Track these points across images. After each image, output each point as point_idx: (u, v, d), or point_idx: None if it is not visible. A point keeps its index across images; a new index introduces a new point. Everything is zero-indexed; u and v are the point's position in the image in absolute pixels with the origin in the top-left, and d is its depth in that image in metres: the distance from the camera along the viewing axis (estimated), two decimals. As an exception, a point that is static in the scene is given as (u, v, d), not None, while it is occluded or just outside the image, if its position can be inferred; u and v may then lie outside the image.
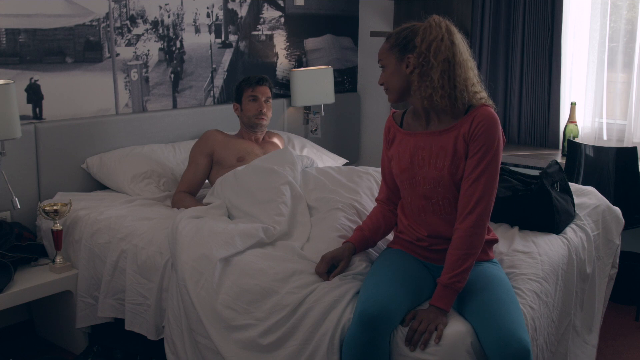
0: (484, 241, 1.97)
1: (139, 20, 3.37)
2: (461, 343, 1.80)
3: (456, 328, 1.84)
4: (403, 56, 2.00)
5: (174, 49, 3.55)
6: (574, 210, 2.62)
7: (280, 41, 4.13)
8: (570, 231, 2.51)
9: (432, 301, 1.90)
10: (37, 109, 3.02)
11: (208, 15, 3.69)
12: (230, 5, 3.80)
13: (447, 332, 1.82)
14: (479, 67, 4.07)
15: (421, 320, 1.84)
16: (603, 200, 2.78)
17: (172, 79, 3.57)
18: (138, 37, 3.37)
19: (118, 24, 3.28)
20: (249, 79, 3.07)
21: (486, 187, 1.93)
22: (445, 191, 2.00)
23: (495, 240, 2.17)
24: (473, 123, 1.95)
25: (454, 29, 1.99)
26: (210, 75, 3.75)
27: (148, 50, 3.43)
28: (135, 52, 3.37)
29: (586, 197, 2.78)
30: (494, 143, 1.94)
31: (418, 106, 2.04)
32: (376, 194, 2.63)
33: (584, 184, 3.15)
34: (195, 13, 3.62)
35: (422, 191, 2.04)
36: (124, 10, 3.30)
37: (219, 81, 3.80)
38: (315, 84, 4.07)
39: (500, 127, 1.97)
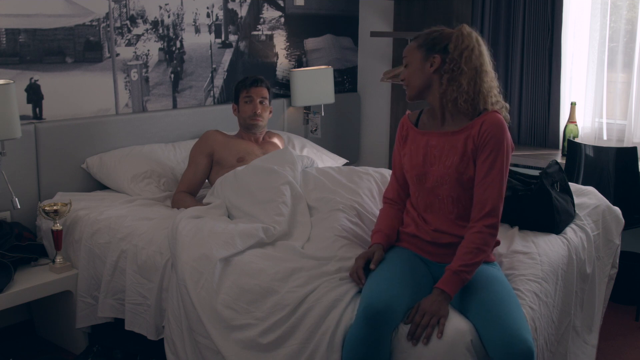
0: (495, 242, 2.04)
1: (139, 20, 3.37)
2: (461, 341, 1.81)
3: (456, 326, 1.85)
4: (429, 55, 2.08)
5: (174, 49, 3.55)
6: (574, 210, 2.62)
7: (280, 41, 4.13)
8: (570, 231, 2.51)
9: (439, 284, 1.92)
10: (37, 109, 3.02)
11: (208, 15, 3.69)
12: (230, 5, 3.80)
13: (447, 330, 1.83)
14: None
15: (423, 313, 1.86)
16: (603, 200, 2.78)
17: (172, 79, 3.57)
18: (138, 37, 3.37)
19: (118, 24, 3.28)
20: (245, 80, 3.07)
21: (499, 191, 2.00)
22: (450, 189, 2.05)
23: (497, 243, 2.18)
24: (482, 128, 2.03)
25: (482, 41, 2.10)
26: (210, 75, 3.75)
27: (148, 50, 3.43)
28: (135, 52, 3.37)
29: (586, 197, 2.78)
30: (503, 148, 2.02)
31: (436, 105, 2.12)
32: (376, 195, 2.63)
33: (584, 184, 3.15)
34: (195, 13, 3.62)
35: (430, 187, 2.09)
36: (124, 10, 3.30)
37: (219, 81, 3.80)
38: (315, 84, 4.07)
39: (508, 134, 2.05)
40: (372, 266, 2.03)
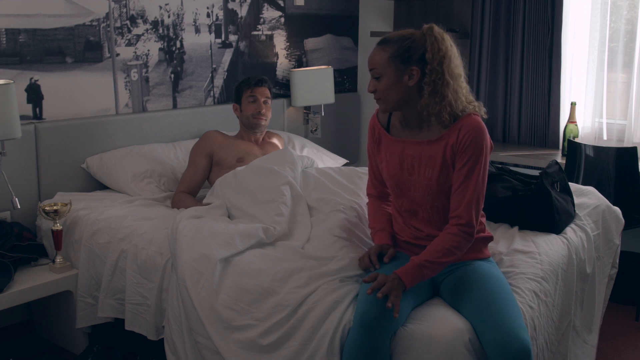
0: (469, 246, 1.98)
1: (139, 20, 3.37)
2: (460, 340, 1.81)
3: (454, 324, 1.84)
4: (406, 68, 1.93)
5: (174, 49, 3.55)
6: (574, 210, 2.62)
7: (280, 41, 4.13)
8: (570, 231, 2.51)
9: (399, 271, 1.88)
10: (37, 109, 3.02)
11: (208, 15, 3.69)
12: (230, 5, 3.80)
13: (445, 329, 1.83)
14: (479, 68, 4.09)
15: (384, 283, 1.83)
16: (603, 200, 2.78)
17: (172, 79, 3.57)
18: (138, 37, 3.37)
19: (118, 24, 3.28)
20: (248, 80, 3.08)
21: (477, 198, 1.95)
22: (434, 199, 2.02)
23: (490, 238, 2.16)
24: (460, 134, 1.95)
25: (451, 39, 1.98)
26: (210, 75, 3.75)
27: (148, 50, 3.43)
28: (135, 52, 3.37)
29: (586, 197, 2.78)
30: (482, 152, 1.95)
31: (413, 116, 2.02)
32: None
33: (584, 184, 3.15)
34: (195, 13, 3.62)
35: (412, 197, 2.06)
36: (124, 10, 3.30)
37: (219, 81, 3.80)
38: (315, 84, 4.07)
39: (487, 136, 1.98)
40: (386, 259, 2.00)
